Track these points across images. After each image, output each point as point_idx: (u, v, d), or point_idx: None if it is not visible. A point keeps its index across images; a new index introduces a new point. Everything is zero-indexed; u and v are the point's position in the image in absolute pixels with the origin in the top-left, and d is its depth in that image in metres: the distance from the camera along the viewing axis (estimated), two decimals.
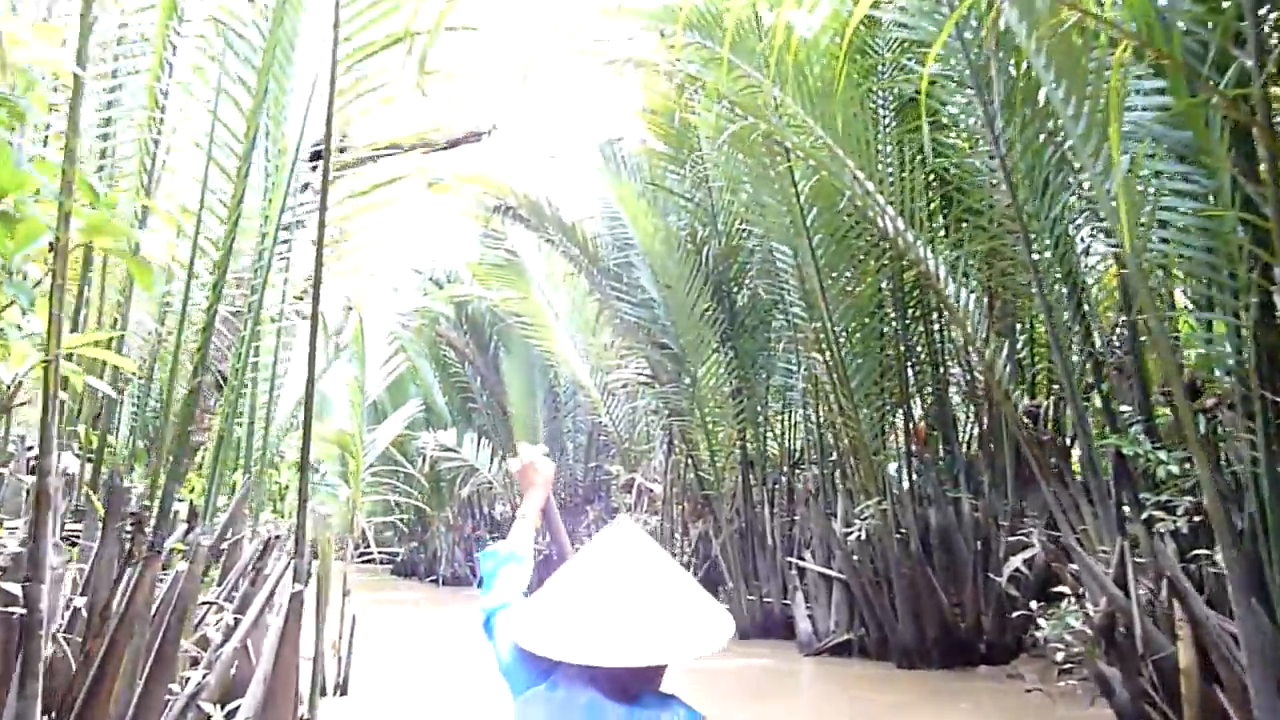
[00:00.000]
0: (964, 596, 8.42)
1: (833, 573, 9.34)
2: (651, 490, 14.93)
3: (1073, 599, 5.64)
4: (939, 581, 8.39)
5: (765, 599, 10.75)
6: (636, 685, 1.55)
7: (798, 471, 11.50)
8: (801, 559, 10.62)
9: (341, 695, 7.34)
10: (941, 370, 9.23)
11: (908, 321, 9.02)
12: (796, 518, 11.19)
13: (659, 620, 1.54)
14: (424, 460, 22.19)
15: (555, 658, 1.54)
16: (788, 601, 10.62)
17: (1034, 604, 6.18)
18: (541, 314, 16.25)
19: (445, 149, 11.26)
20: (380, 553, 34.18)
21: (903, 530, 8.52)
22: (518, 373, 18.46)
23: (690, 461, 12.69)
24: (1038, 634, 6.00)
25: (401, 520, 28.94)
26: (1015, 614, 7.11)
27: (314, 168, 10.23)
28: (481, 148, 12.55)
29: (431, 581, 23.29)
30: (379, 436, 9.64)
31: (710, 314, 10.88)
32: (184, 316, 5.51)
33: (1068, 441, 7.36)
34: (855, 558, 8.84)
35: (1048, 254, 5.91)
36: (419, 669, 9.15)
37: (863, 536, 8.72)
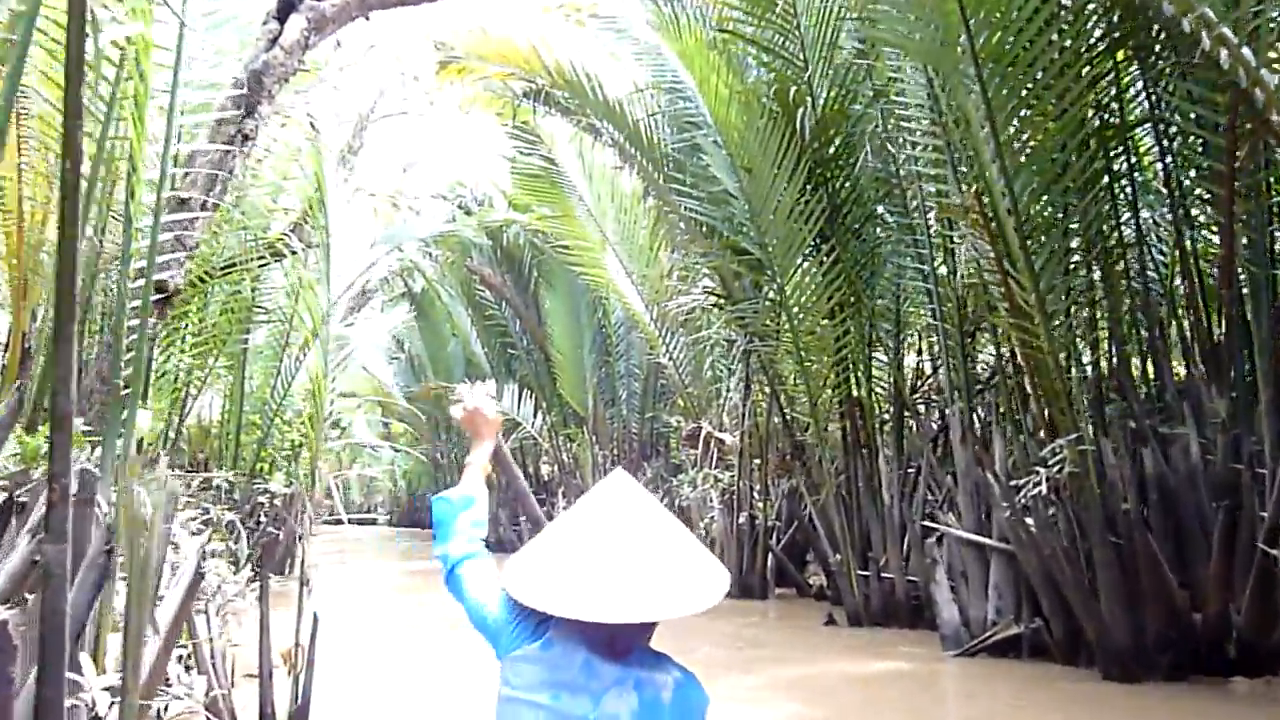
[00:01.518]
0: (1200, 576, 5.83)
1: (991, 541, 6.79)
2: (723, 441, 12.46)
3: None
4: (1163, 554, 5.80)
5: (884, 574, 8.26)
6: (630, 642, 1.47)
7: (928, 408, 8.96)
8: (931, 521, 8.12)
9: None
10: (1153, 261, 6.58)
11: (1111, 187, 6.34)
12: (915, 470, 8.67)
13: (659, 576, 1.47)
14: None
15: (557, 614, 1.44)
16: (914, 578, 8.12)
17: None
18: (586, 235, 13.76)
19: None
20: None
21: (1108, 483, 5.92)
22: (561, 311, 16.04)
23: (775, 402, 10.18)
24: None
25: (444, 479, 27.00)
26: None
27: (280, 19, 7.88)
28: (499, 15, 10.07)
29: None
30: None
31: (804, 206, 8.28)
32: None
33: None
34: (1029, 522, 6.27)
35: None
36: (418, 676, 6.85)
37: (1042, 491, 6.14)
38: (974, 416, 7.59)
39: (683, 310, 13.45)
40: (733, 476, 11.60)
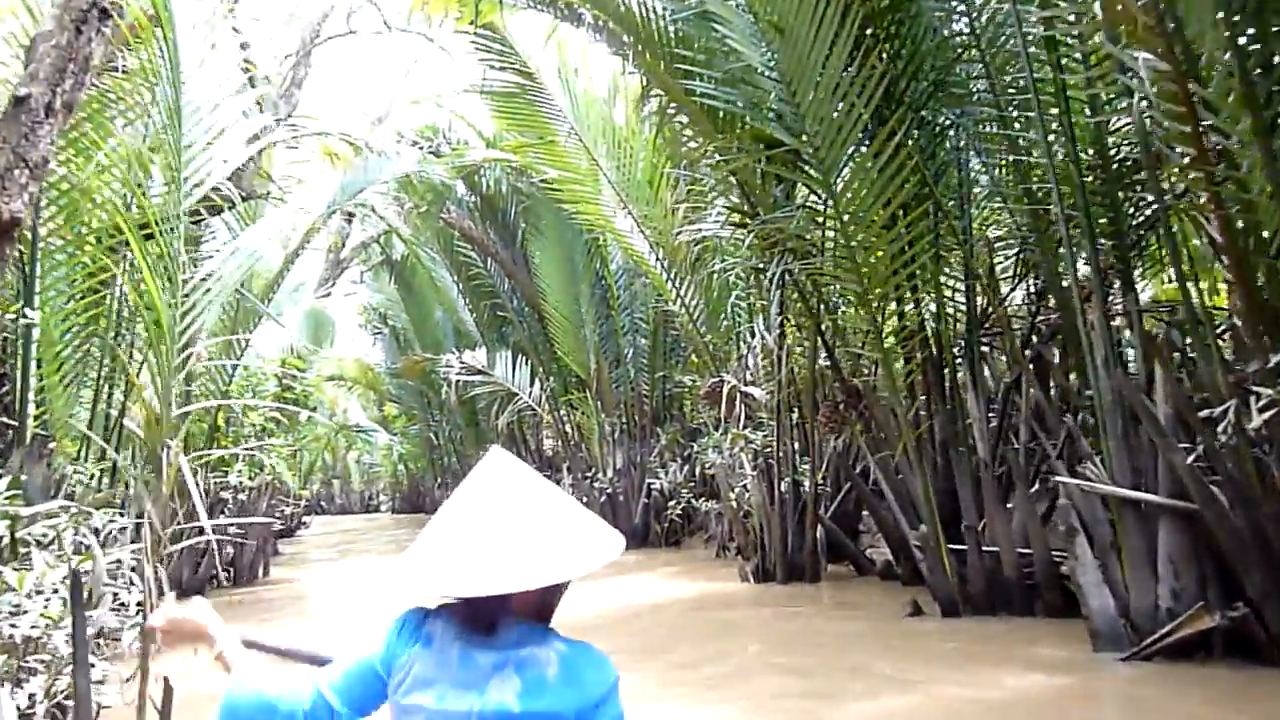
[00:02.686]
0: None
1: (1160, 499, 4.87)
2: (751, 396, 10.55)
3: None
4: None
5: (987, 547, 6.36)
6: (494, 619, 1.42)
7: (1035, 331, 7.03)
8: (1044, 478, 6.25)
9: None
10: None
11: None
12: (995, 413, 6.77)
13: (516, 546, 1.40)
14: (450, 388, 18.17)
15: (419, 593, 1.43)
16: (1027, 550, 6.22)
17: None
18: (575, 167, 11.77)
19: None
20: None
21: None
22: (553, 262, 14.07)
23: (818, 340, 8.25)
24: None
25: (440, 461, 25.12)
26: None
27: None
28: None
29: None
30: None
31: (855, 79, 6.29)
32: None
33: None
34: (1218, 478, 4.35)
35: None
36: None
37: (1231, 440, 4.21)
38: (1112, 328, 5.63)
39: (696, 243, 11.49)
40: (766, 437, 9.70)
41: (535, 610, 1.46)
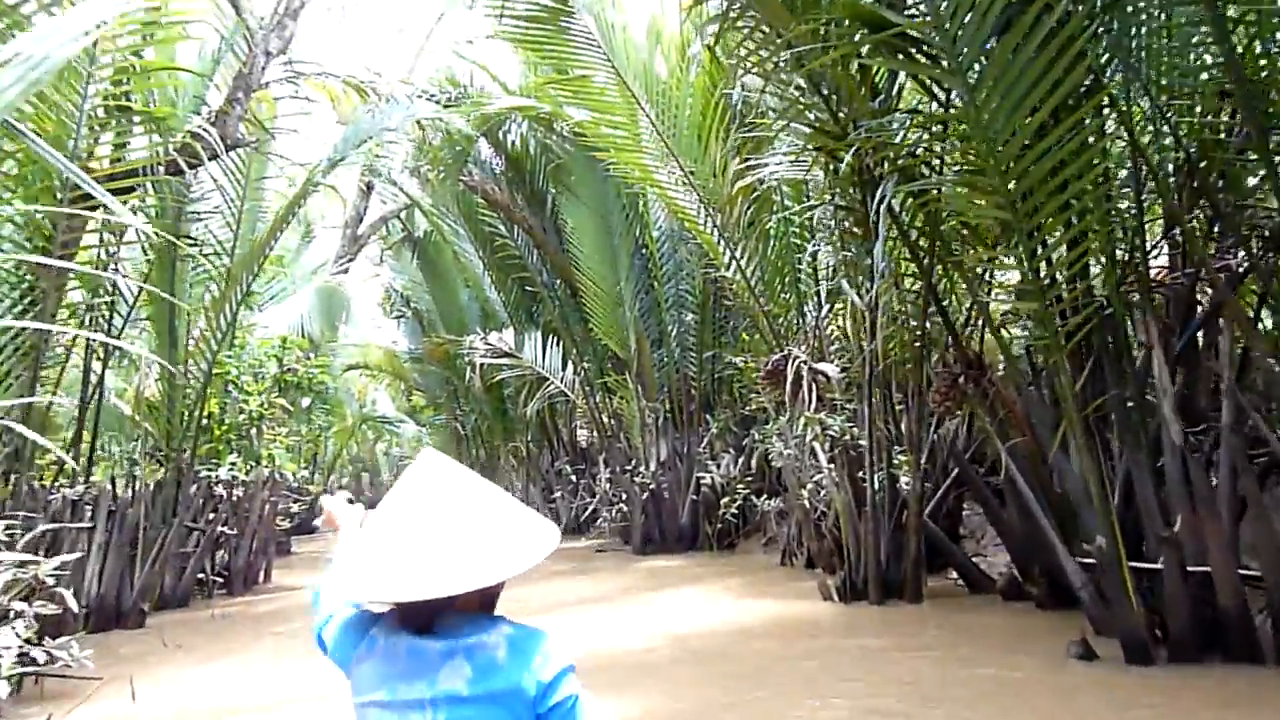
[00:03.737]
0: None
1: None
2: (823, 375, 8.84)
3: None
4: None
5: (1189, 568, 4.59)
6: (436, 618, 1.43)
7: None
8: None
9: None
10: None
11: None
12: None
13: (458, 549, 1.41)
14: (475, 373, 16.57)
15: (353, 598, 1.51)
16: (1255, 572, 4.45)
17: None
18: (612, 108, 10.10)
19: None
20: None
21: None
22: (587, 229, 12.42)
23: (929, 296, 6.50)
24: None
25: (468, 454, 23.57)
26: None
27: None
28: None
29: None
30: None
31: None
32: None
33: None
34: None
35: None
36: None
37: None
38: None
39: (752, 198, 9.79)
40: (847, 422, 7.99)
41: (478, 603, 1.47)
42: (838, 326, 9.86)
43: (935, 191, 5.62)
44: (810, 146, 6.77)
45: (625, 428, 12.85)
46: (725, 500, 11.11)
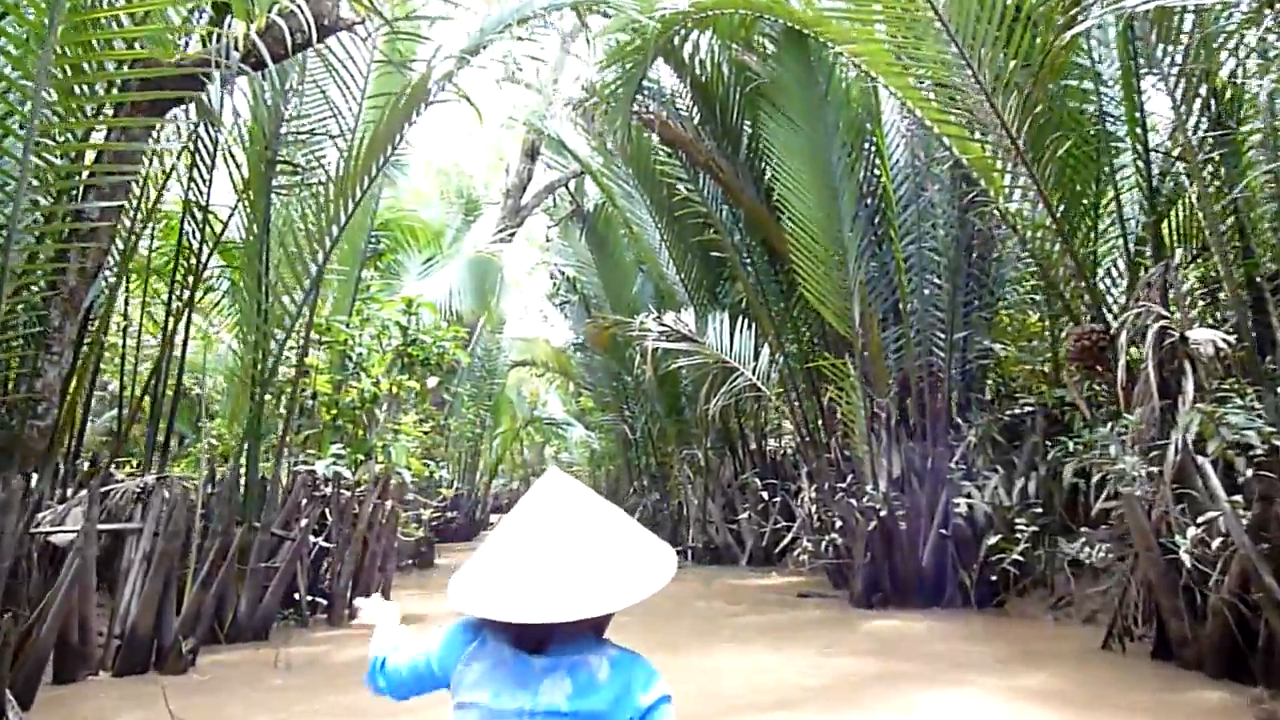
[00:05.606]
0: None
1: None
2: (1207, 347, 5.39)
3: None
4: None
5: None
6: (553, 639, 1.45)
7: None
8: None
9: None
10: None
11: None
12: None
13: (573, 576, 1.43)
14: (645, 360, 13.80)
15: (473, 614, 1.51)
16: None
17: None
18: None
19: None
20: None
21: None
22: (800, 165, 9.36)
23: None
24: None
25: (637, 462, 20.79)
26: None
27: None
28: None
29: (679, 555, 14.38)
30: None
31: None
32: None
33: None
34: None
35: None
36: None
37: None
38: None
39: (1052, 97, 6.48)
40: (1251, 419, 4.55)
41: (590, 627, 1.47)
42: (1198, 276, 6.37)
43: None
44: None
45: (847, 430, 9.63)
46: (994, 539, 7.74)
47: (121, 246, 7.90)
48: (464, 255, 13.70)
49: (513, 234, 16.28)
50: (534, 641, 1.43)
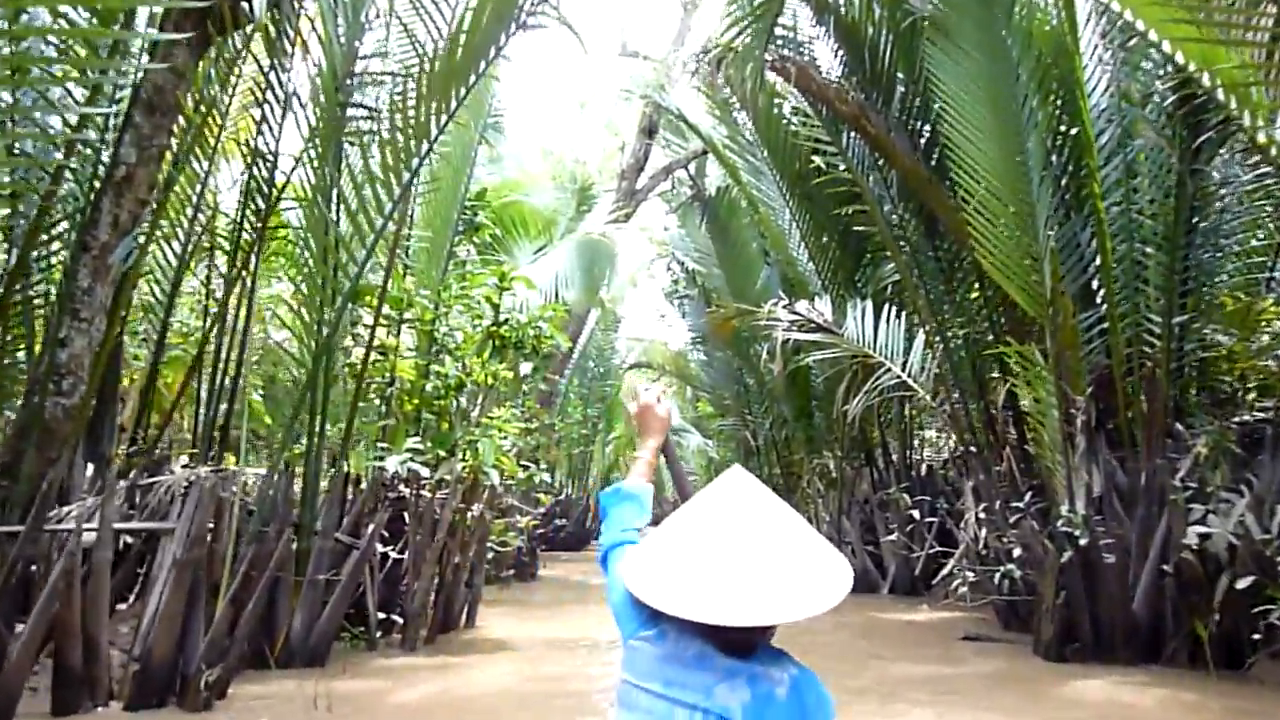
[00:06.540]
0: None
1: None
2: None
3: None
4: None
5: None
6: (744, 641, 1.41)
7: None
8: None
9: None
10: None
11: None
12: None
13: (772, 579, 1.39)
14: (773, 355, 12.20)
15: (666, 611, 1.41)
16: None
17: None
18: None
19: None
20: None
21: None
22: (976, 110, 7.63)
23: None
24: None
25: (758, 472, 19.03)
26: None
27: None
28: None
29: None
30: None
31: None
32: None
33: None
34: None
35: None
36: None
37: None
38: None
39: None
40: None
41: (760, 631, 1.44)
42: None
43: None
44: None
45: (1033, 437, 7.79)
46: (1246, 581, 5.84)
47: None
48: (572, 239, 12.48)
49: (628, 217, 14.96)
50: (723, 641, 1.39)
